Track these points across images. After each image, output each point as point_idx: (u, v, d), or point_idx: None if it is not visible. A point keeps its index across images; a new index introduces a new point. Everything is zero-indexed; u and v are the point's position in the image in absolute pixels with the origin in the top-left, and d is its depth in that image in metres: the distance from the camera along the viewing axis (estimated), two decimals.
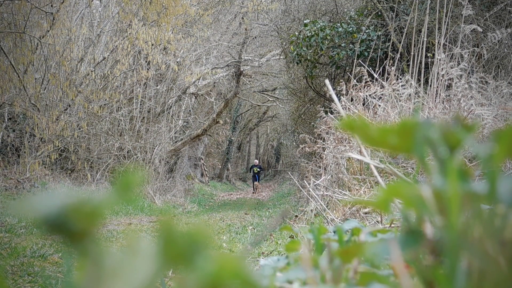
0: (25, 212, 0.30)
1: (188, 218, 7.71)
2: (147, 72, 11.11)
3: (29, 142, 9.12)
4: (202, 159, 20.23)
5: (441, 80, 5.24)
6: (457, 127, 0.41)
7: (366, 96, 5.67)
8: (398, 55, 6.92)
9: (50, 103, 9.74)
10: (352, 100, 5.80)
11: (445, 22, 5.90)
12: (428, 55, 6.35)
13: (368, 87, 5.73)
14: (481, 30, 5.79)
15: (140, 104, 12.03)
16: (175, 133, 13.49)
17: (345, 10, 9.73)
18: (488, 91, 5.17)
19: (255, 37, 15.24)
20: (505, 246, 0.37)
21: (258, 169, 19.81)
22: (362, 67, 6.08)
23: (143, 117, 12.15)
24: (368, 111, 5.49)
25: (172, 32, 11.30)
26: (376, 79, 5.85)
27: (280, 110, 20.79)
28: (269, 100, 20.76)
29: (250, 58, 15.50)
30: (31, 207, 0.30)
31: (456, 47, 5.69)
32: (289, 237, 4.09)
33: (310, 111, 11.26)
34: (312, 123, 9.80)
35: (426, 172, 0.43)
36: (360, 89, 5.77)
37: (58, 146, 9.41)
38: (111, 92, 10.60)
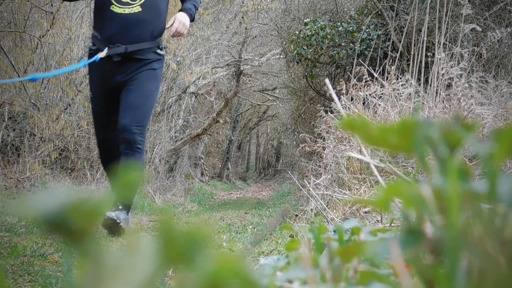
0: (25, 211, 0.30)
1: (188, 217, 7.71)
2: None
3: (29, 141, 9.11)
4: (202, 159, 20.21)
5: (441, 79, 5.24)
6: (457, 126, 0.41)
7: (366, 95, 5.67)
8: (398, 55, 6.92)
9: (50, 103, 9.73)
10: (352, 99, 5.80)
11: (445, 21, 5.90)
12: (428, 54, 6.35)
13: (368, 87, 5.73)
14: (480, 30, 5.78)
15: None
16: (175, 132, 13.48)
17: (345, 9, 9.73)
18: (488, 90, 5.17)
19: (255, 36, 15.23)
20: (505, 245, 0.37)
21: None
22: (362, 67, 6.08)
23: None
24: (368, 111, 5.50)
25: None
26: (376, 79, 5.85)
27: (280, 109, 20.75)
28: (269, 99, 20.73)
29: (250, 57, 15.50)
30: (31, 206, 0.30)
31: (456, 46, 5.69)
32: (289, 236, 4.09)
33: (310, 111, 11.24)
34: (312, 123, 9.79)
35: (426, 172, 0.43)
36: (360, 88, 5.78)
37: (58, 145, 9.41)
38: None
